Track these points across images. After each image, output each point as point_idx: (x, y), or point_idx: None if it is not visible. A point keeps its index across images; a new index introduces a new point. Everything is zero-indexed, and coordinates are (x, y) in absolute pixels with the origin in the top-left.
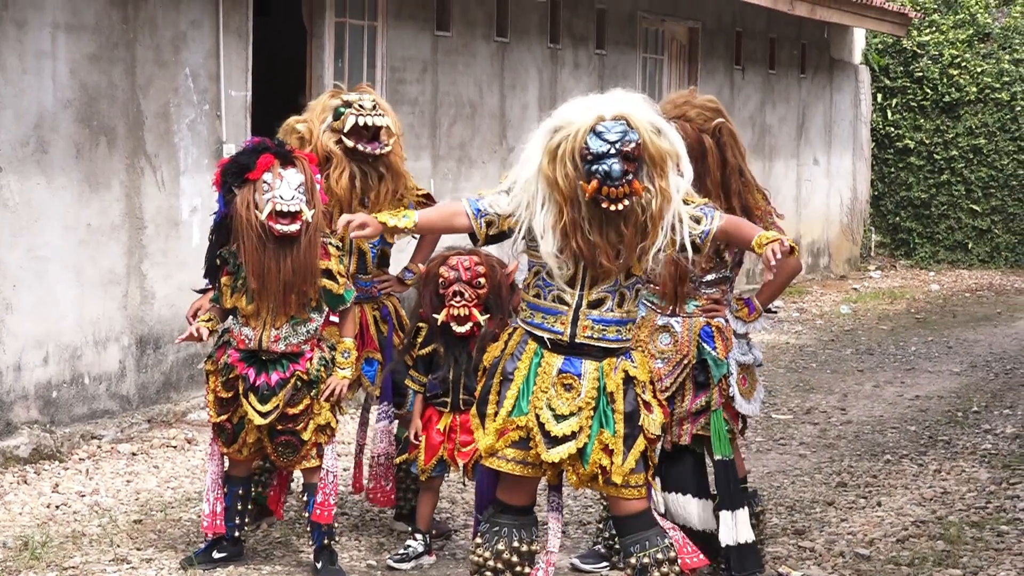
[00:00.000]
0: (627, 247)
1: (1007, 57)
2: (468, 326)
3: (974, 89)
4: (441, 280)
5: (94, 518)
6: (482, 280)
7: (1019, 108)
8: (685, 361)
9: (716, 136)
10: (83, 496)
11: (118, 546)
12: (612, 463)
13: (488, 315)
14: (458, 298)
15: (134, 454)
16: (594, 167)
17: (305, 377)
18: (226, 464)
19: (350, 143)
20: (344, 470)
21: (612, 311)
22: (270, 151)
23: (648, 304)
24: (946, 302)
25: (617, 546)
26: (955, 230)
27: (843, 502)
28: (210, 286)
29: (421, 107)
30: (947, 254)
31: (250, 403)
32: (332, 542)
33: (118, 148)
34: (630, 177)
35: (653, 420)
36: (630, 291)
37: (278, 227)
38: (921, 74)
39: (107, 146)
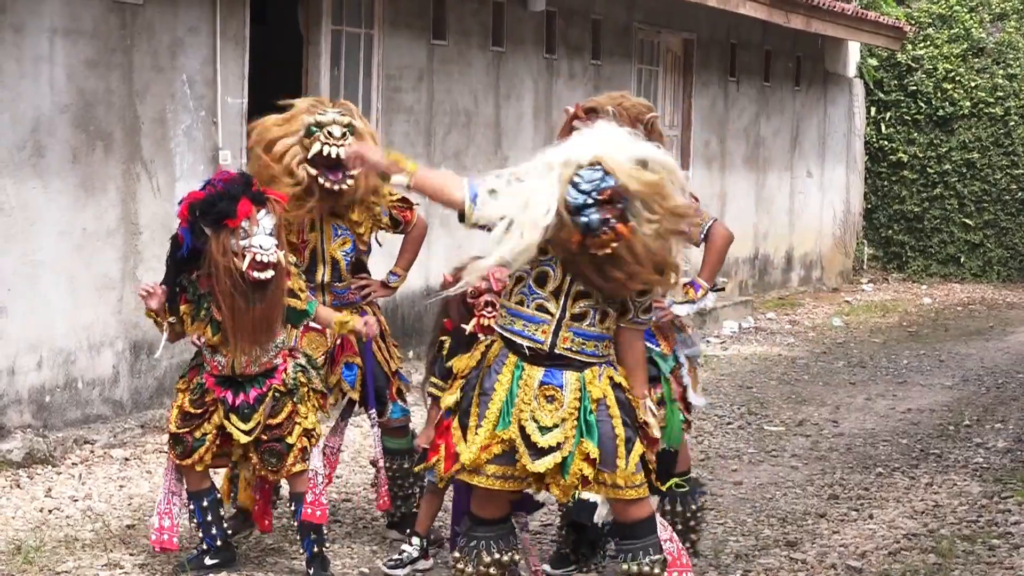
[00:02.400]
0: (639, 278)
1: (1001, 72)
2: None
3: (968, 103)
4: (471, 290)
5: (87, 523)
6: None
7: (1012, 123)
8: None
9: (648, 128)
10: (76, 501)
11: (111, 551)
12: (594, 472)
13: None
14: (490, 308)
15: (127, 459)
16: (575, 219)
17: (283, 388)
18: (184, 483)
19: (312, 172)
20: (337, 477)
21: (593, 326)
22: (247, 195)
23: None
24: (938, 316)
25: (583, 550)
26: (948, 244)
27: (835, 514)
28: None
29: (416, 116)
30: (939, 268)
31: (233, 424)
32: (323, 549)
33: (114, 153)
34: (612, 223)
35: (650, 418)
36: (613, 309)
37: (255, 274)
38: (915, 88)
39: (103, 151)
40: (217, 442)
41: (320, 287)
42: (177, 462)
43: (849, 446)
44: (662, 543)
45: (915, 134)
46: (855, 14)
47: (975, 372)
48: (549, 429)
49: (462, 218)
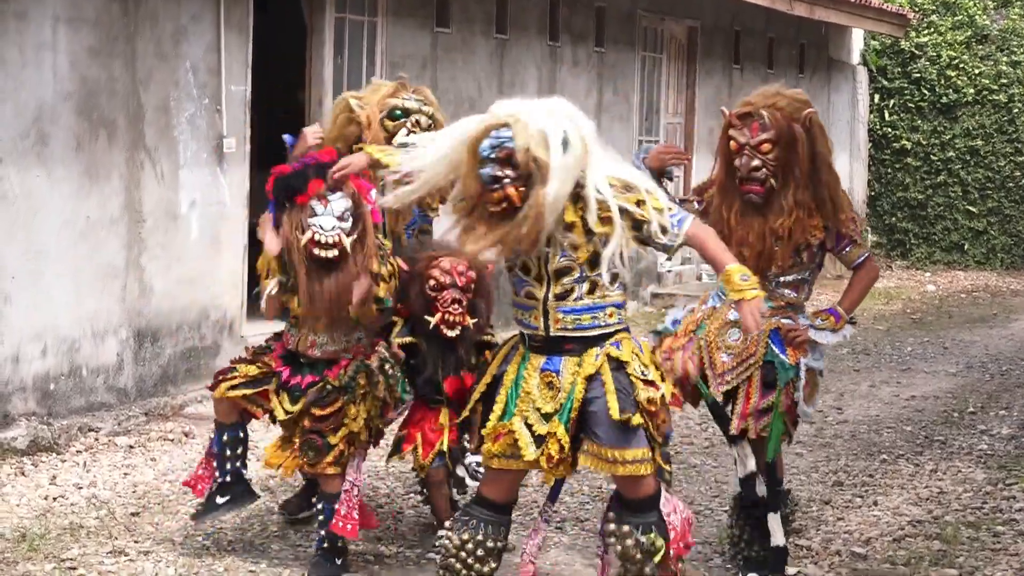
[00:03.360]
0: (524, 242)
1: (1005, 59)
2: (457, 330)
3: (972, 91)
4: (433, 283)
5: (91, 510)
6: (472, 285)
7: (1016, 110)
8: (752, 360)
9: (806, 126)
10: (80, 488)
11: (116, 539)
12: (563, 453)
13: (475, 318)
14: (456, 306)
15: (131, 447)
16: (480, 170)
17: (336, 383)
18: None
19: None
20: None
21: (581, 299)
22: (320, 176)
23: (722, 296)
24: (942, 303)
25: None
26: (951, 231)
27: (840, 501)
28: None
29: None
30: (943, 255)
31: (279, 401)
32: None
33: (118, 141)
34: (504, 183)
35: (653, 394)
36: (604, 278)
37: (316, 251)
38: (919, 75)
39: (107, 139)
40: (256, 390)
41: None
42: (209, 389)
43: (853, 433)
44: (665, 517)
45: (919, 121)
46: (859, 1)
47: (979, 359)
48: (550, 416)
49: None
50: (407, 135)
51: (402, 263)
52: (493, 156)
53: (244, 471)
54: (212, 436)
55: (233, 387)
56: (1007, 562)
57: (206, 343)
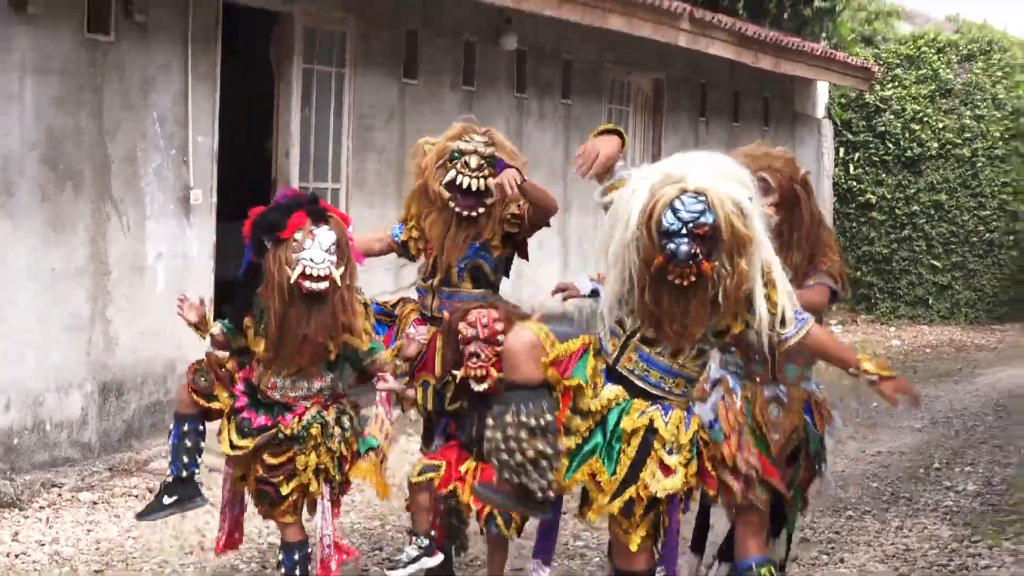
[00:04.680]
0: (692, 320)
1: (968, 113)
2: (486, 384)
3: (935, 144)
4: (460, 336)
5: (54, 568)
6: (500, 337)
7: (980, 164)
8: (795, 435)
9: (804, 186)
10: (43, 545)
11: None
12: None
13: None
14: (474, 359)
15: (95, 503)
16: (664, 243)
17: (287, 432)
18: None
19: (447, 195)
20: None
21: (663, 356)
22: (303, 208)
23: (735, 372)
24: (907, 357)
25: None
26: (916, 285)
27: (806, 558)
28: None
29: (388, 154)
30: (908, 309)
31: (229, 432)
32: None
33: (84, 192)
34: (699, 258)
35: (663, 482)
36: (690, 349)
37: (307, 284)
38: (883, 129)
39: (73, 190)
40: (215, 384)
41: (431, 289)
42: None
43: (819, 489)
44: None
45: (883, 175)
46: (824, 54)
47: (944, 414)
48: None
49: None
50: (455, 176)
51: (445, 312)
52: (684, 232)
53: (196, 470)
54: (170, 428)
55: (198, 371)
56: None
57: (171, 397)
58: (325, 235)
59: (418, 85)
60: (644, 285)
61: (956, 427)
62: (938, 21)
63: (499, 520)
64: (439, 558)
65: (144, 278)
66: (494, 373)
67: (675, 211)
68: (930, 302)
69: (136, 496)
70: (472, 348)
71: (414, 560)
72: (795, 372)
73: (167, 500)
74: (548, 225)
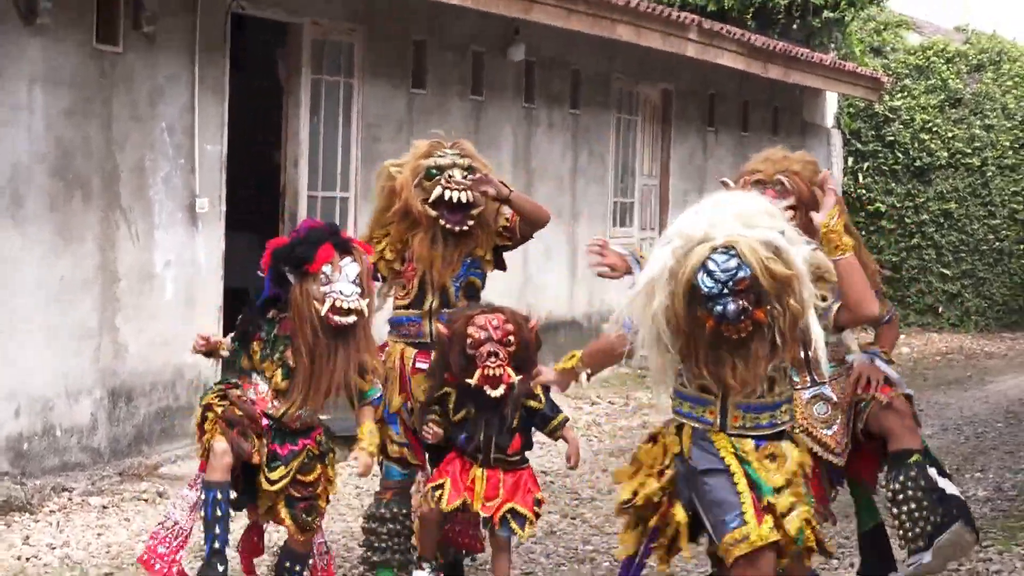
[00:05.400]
0: (754, 363)
1: (978, 123)
2: (502, 389)
3: (945, 154)
4: (470, 341)
5: (65, 570)
6: (511, 338)
7: (989, 173)
8: (850, 411)
9: (823, 187)
10: (54, 549)
11: None
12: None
13: (520, 374)
14: (493, 359)
15: (105, 507)
16: (711, 307)
17: (316, 451)
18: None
19: (433, 213)
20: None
21: (762, 397)
22: (330, 241)
23: None
24: (916, 365)
25: None
26: (926, 294)
27: (816, 563)
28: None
29: None
30: (917, 318)
31: (263, 473)
32: None
33: (92, 202)
34: (749, 311)
35: (793, 517)
36: (779, 372)
37: (336, 318)
38: (893, 138)
39: (82, 200)
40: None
41: (427, 314)
42: (196, 424)
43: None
44: None
45: (893, 184)
46: (833, 65)
47: (954, 421)
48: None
49: None
50: (442, 192)
51: (442, 328)
52: (727, 291)
53: (227, 542)
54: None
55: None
56: None
57: (180, 403)
58: (351, 267)
59: (426, 95)
60: (697, 353)
61: (966, 433)
62: (947, 31)
63: (513, 524)
64: None
65: (153, 286)
66: (511, 375)
67: (710, 273)
68: (940, 310)
69: (146, 500)
70: (489, 348)
71: None
72: (831, 368)
73: (220, 568)
74: (531, 238)
